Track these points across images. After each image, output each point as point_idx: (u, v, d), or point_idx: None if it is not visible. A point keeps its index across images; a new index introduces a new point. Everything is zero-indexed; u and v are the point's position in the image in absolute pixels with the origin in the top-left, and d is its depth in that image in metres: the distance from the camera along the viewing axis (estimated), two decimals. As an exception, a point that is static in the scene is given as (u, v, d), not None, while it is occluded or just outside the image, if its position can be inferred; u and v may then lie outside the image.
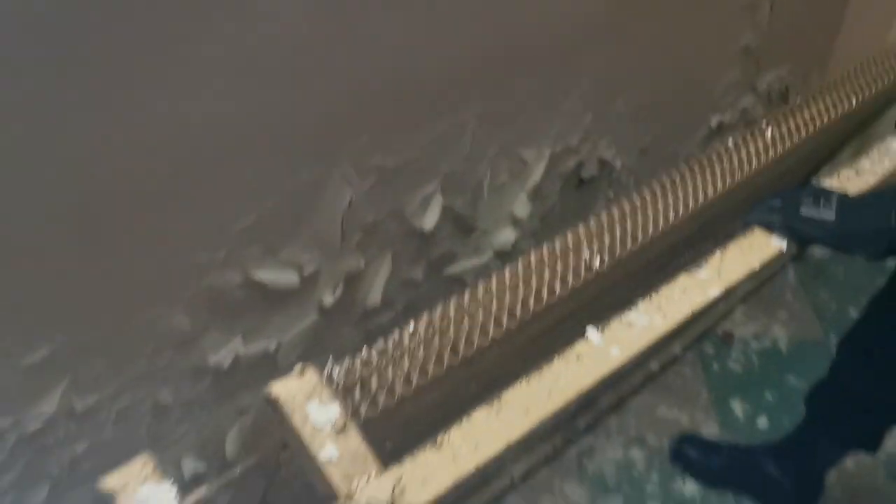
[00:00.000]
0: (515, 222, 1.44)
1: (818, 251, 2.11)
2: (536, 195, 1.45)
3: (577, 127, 1.45)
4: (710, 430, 1.66)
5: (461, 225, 1.36)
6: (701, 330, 1.83)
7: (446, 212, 1.29)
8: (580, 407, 1.54)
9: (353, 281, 1.22)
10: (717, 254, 0.84)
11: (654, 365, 1.70)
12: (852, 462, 1.56)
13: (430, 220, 1.27)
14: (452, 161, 1.25)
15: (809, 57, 2.04)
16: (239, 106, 0.92)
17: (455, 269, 1.41)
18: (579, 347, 0.76)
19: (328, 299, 1.20)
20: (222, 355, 1.10)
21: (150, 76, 0.81)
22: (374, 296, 1.27)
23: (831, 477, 1.48)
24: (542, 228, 1.51)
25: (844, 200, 0.89)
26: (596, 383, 0.72)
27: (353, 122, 1.06)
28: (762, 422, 1.68)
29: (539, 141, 1.39)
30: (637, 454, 1.60)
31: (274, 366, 1.19)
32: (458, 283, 1.42)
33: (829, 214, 0.86)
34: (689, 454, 1.56)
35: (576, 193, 1.57)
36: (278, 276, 1.11)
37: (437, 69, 1.12)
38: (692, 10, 1.53)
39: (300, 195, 1.06)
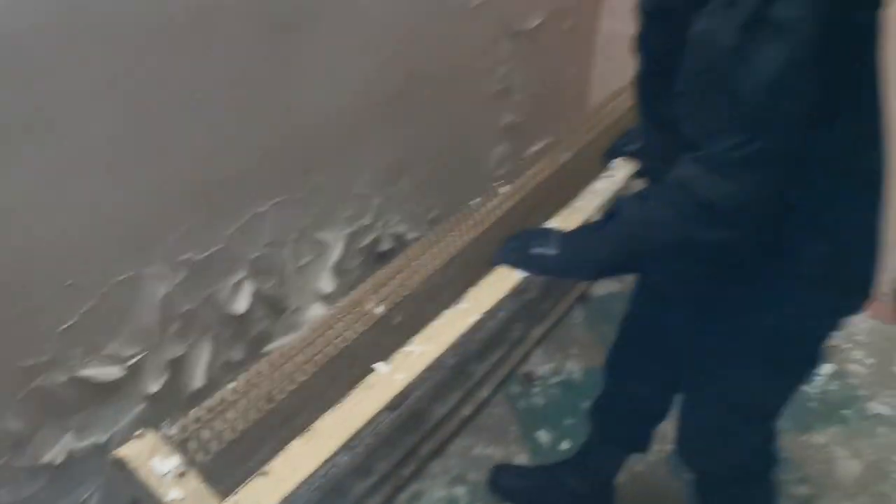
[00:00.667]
0: (323, 297, 1.61)
1: (599, 291, 2.43)
2: (339, 271, 1.63)
3: (368, 207, 1.66)
4: (521, 459, 1.88)
5: (273, 305, 1.51)
6: (505, 373, 2.06)
7: (257, 295, 1.44)
8: (405, 456, 1.70)
9: (176, 367, 1.33)
10: (473, 289, 1.06)
11: (467, 409, 1.90)
12: (641, 464, 1.83)
13: (242, 303, 1.41)
14: (257, 248, 1.41)
15: (566, 127, 2.40)
16: (52, 217, 1.04)
17: (273, 347, 1.55)
18: (371, 379, 0.94)
19: (153, 387, 1.29)
20: (55, 452, 1.17)
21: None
22: (198, 379, 1.38)
23: (623, 478, 1.72)
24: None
25: (562, 236, 1.14)
26: (386, 404, 0.90)
27: (161, 223, 1.20)
28: (565, 445, 1.91)
29: (335, 223, 1.58)
30: (460, 491, 1.78)
31: (107, 457, 1.26)
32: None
33: (551, 250, 1.10)
34: (504, 482, 1.76)
35: (376, 265, 1.77)
36: (103, 371, 1.20)
37: (235, 167, 1.29)
38: (456, 97, 1.81)
39: (118, 294, 1.17)
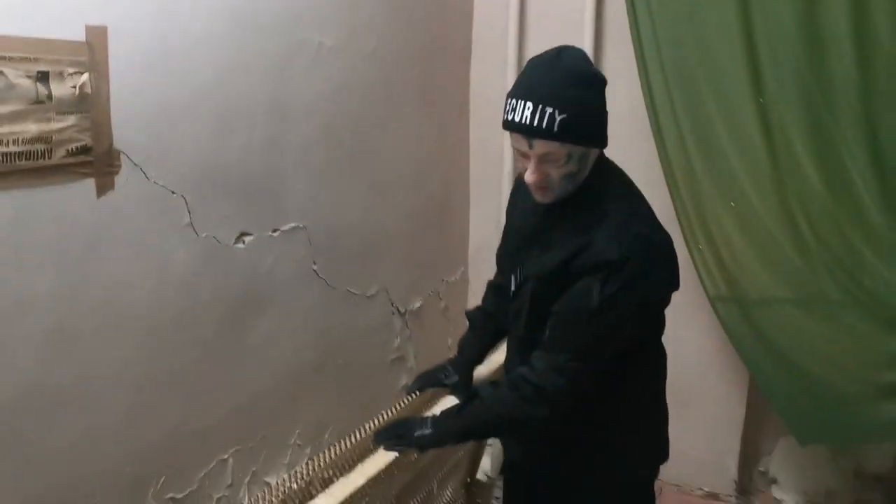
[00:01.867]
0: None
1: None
2: (282, 509, 2.00)
3: (302, 454, 2.09)
4: None
5: (232, 540, 1.86)
6: None
7: (222, 530, 1.81)
8: None
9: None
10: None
11: None
12: None
13: (211, 536, 1.77)
14: (220, 489, 1.80)
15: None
16: (85, 466, 1.45)
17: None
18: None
19: None
20: None
21: None
22: None
23: None
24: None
25: (434, 420, 1.43)
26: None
27: (154, 469, 1.61)
28: None
29: (278, 468, 2.00)
30: None
31: None
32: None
33: (427, 430, 1.45)
34: None
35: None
36: None
37: (205, 423, 1.73)
38: (362, 366, 2.33)
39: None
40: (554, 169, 1.30)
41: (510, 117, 1.29)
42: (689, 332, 2.57)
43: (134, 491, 1.57)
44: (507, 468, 1.70)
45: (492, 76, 2.76)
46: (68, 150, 1.32)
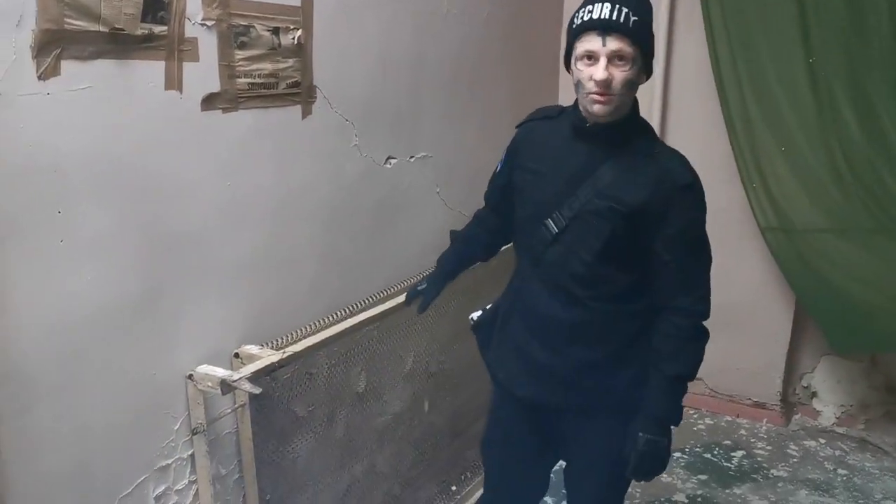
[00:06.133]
0: None
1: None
2: None
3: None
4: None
5: None
6: None
7: None
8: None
9: None
10: None
11: None
12: None
13: None
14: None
15: None
16: None
17: None
18: None
19: None
20: None
21: None
22: None
23: None
24: None
25: (662, 428, 1.53)
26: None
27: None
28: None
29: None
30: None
31: None
32: None
33: (666, 439, 1.54)
34: None
35: None
36: None
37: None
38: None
39: None
40: (619, 71, 1.39)
41: (586, 17, 1.39)
42: (742, 259, 3.02)
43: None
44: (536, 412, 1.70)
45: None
46: (287, 84, 1.87)
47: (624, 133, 1.49)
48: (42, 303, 1.35)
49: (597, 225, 1.47)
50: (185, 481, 1.68)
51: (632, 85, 1.43)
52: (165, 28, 1.50)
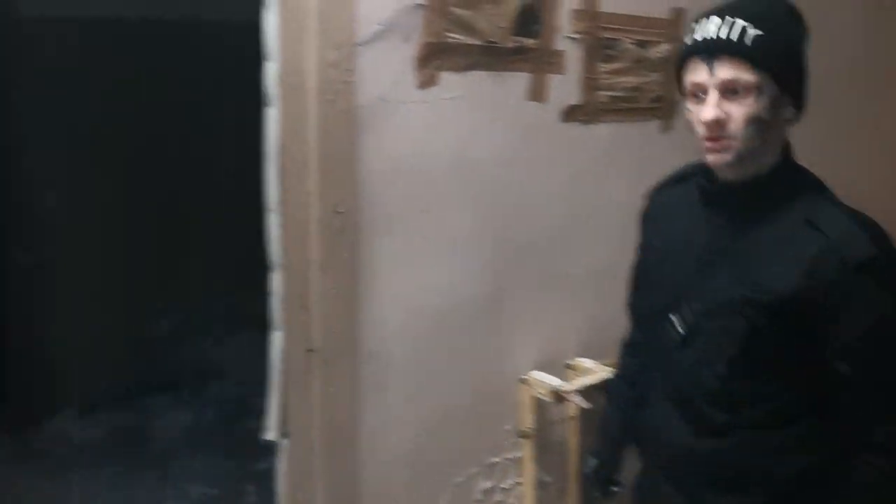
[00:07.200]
0: None
1: None
2: None
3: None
4: None
5: None
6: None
7: None
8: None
9: None
10: None
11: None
12: None
13: None
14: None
15: None
16: None
17: None
18: None
19: None
20: None
21: None
22: None
23: None
24: None
25: None
26: None
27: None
28: None
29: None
30: None
31: None
32: None
33: None
34: None
35: None
36: None
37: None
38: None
39: None
40: (736, 107, 0.99)
41: (689, 40, 1.04)
42: None
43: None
44: None
45: None
46: (650, 98, 1.83)
47: (768, 193, 1.07)
48: (404, 293, 1.48)
49: (730, 323, 1.07)
50: (511, 481, 1.73)
51: (761, 124, 1.00)
52: (535, 41, 1.56)
